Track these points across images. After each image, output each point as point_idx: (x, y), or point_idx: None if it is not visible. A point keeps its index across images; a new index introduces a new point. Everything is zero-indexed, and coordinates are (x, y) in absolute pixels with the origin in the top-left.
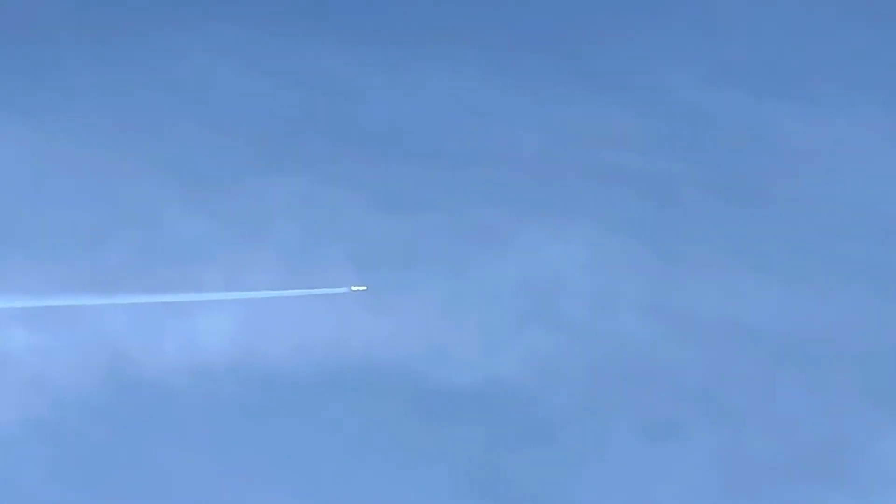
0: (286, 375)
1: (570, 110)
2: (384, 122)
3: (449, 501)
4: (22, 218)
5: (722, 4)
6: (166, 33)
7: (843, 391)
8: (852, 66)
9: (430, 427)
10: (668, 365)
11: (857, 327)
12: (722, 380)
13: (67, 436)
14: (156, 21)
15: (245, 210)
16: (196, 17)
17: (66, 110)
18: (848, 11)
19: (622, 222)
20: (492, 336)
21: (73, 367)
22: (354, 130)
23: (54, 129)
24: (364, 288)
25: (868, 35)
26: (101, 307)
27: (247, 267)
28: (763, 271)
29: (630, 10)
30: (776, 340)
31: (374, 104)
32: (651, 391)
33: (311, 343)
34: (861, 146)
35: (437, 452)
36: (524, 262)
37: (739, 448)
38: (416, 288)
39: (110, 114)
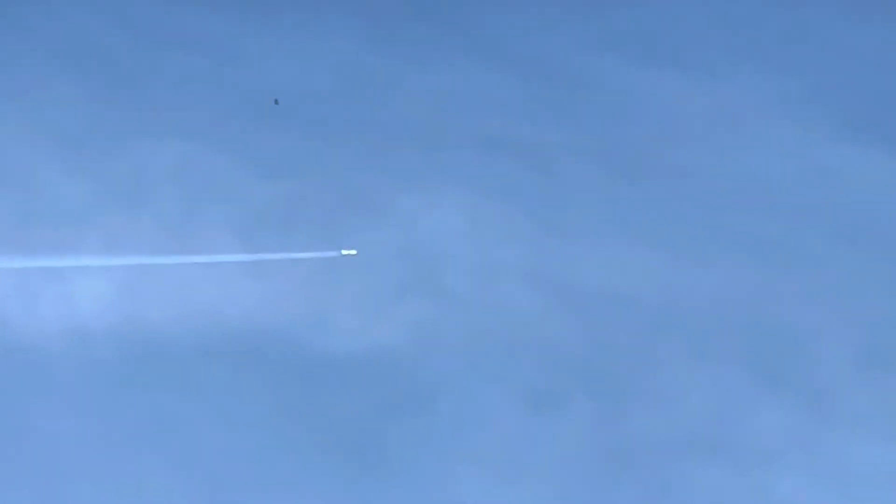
0: (165, 341)
1: (451, 78)
2: (265, 87)
3: (328, 468)
4: None
5: None
6: None
7: (724, 364)
8: (735, 36)
9: (310, 394)
10: (549, 335)
11: (738, 299)
12: (602, 351)
13: None
14: None
15: (125, 174)
16: None
17: None
18: None
19: (502, 191)
20: (372, 304)
21: None
22: (235, 96)
23: None
24: (354, 252)
25: (750, 4)
26: None
27: (126, 231)
28: (644, 242)
29: None
30: (657, 311)
31: (255, 70)
32: (531, 361)
33: (190, 309)
34: (743, 116)
35: (316, 420)
36: (404, 230)
37: (619, 419)
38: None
39: None
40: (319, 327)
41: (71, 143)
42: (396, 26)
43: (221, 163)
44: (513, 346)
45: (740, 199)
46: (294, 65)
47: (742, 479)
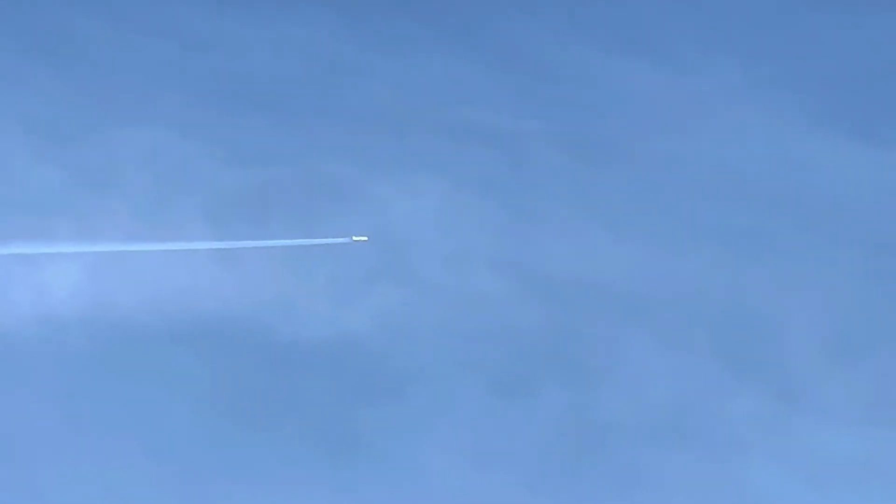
0: (136, 328)
1: (423, 65)
2: (237, 74)
3: (298, 455)
4: None
5: None
6: None
7: (694, 351)
8: (706, 24)
9: (280, 381)
10: (519, 322)
11: (708, 286)
12: (572, 338)
13: None
14: None
15: (97, 161)
16: None
17: None
18: None
19: (474, 178)
20: (342, 291)
21: None
22: (207, 83)
23: None
24: (365, 238)
25: None
26: None
27: (98, 218)
28: (614, 229)
29: None
30: (627, 299)
31: (228, 57)
32: (501, 348)
33: (161, 296)
34: (714, 105)
35: (286, 407)
36: (375, 217)
37: (589, 407)
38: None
39: None
40: (290, 314)
41: (42, 131)
42: (369, 13)
43: (193, 149)
44: (483, 334)
45: (711, 189)
46: (266, 52)
47: (712, 466)
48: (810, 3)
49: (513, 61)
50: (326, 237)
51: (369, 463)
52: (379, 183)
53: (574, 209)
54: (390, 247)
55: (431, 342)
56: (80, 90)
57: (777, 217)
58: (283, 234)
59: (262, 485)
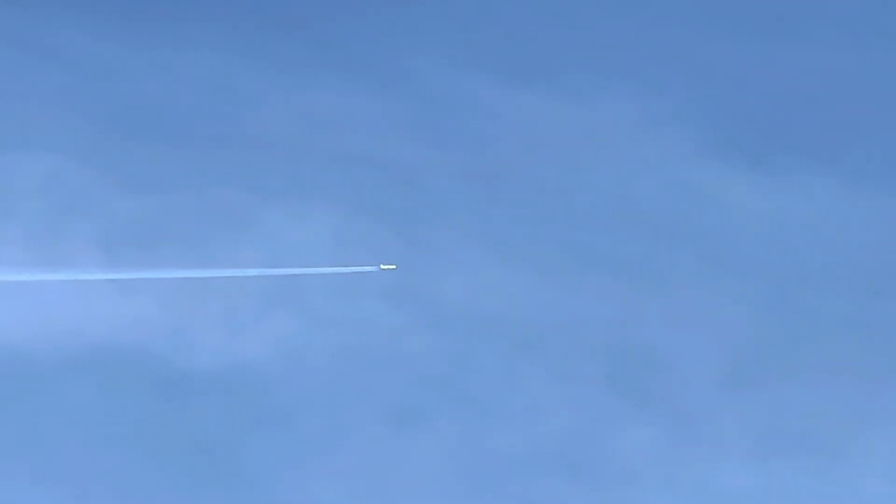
0: (24, 357)
1: (316, 93)
2: (130, 100)
3: (188, 486)
4: None
5: None
6: None
7: (587, 382)
8: (600, 54)
9: (171, 412)
10: (411, 352)
11: (601, 317)
12: (465, 368)
13: None
14: None
15: None
16: None
17: None
18: None
19: (367, 207)
20: (234, 320)
21: None
22: (101, 108)
23: None
24: (394, 267)
25: (615, 22)
26: None
27: None
28: (508, 260)
29: None
30: (520, 329)
31: (122, 83)
32: (393, 378)
33: (50, 324)
34: (608, 135)
35: (177, 437)
36: (268, 246)
37: (481, 439)
38: (159, 270)
39: None
40: (182, 344)
41: None
42: (263, 41)
43: (87, 176)
44: (376, 363)
45: (604, 219)
46: (159, 78)
47: (605, 499)
48: (702, 35)
49: (406, 90)
50: (230, 267)
51: (261, 493)
52: (272, 211)
53: (468, 238)
54: (284, 275)
55: (323, 371)
56: None
57: (670, 247)
58: (177, 263)
59: None
